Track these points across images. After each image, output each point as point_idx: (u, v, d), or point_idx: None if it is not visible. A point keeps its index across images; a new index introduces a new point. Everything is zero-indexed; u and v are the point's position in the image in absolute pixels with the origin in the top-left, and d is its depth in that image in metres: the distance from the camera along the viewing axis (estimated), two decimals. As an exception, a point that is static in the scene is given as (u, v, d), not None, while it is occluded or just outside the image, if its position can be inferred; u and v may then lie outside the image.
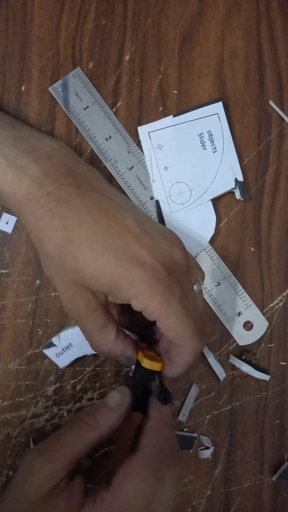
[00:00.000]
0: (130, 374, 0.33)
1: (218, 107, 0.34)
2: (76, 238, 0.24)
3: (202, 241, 0.34)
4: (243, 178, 0.34)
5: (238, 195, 0.34)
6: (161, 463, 0.24)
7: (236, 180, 0.34)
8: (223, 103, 0.34)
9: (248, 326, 0.34)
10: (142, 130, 0.34)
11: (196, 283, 0.28)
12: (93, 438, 0.25)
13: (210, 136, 0.33)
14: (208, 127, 0.34)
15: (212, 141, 0.33)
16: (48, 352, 0.32)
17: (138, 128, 0.34)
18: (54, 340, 0.32)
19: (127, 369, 0.34)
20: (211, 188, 0.34)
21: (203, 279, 0.30)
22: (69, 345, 0.32)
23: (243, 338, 0.34)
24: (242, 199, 0.34)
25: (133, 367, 0.29)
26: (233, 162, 0.34)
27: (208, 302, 0.34)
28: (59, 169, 0.26)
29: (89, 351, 0.32)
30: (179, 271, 0.26)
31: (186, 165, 0.33)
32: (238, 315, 0.34)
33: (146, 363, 0.27)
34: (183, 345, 0.26)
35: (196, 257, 0.34)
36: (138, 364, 0.28)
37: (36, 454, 0.24)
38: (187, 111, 0.33)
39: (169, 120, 0.33)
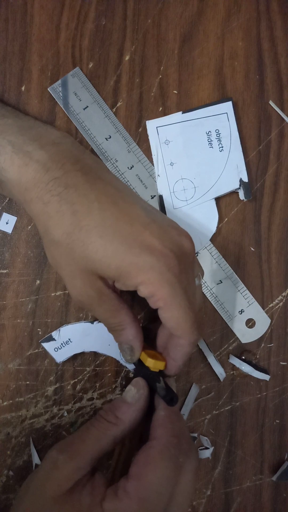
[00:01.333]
0: (131, 376, 0.33)
1: (227, 107, 0.34)
2: (85, 225, 0.24)
3: (203, 238, 0.34)
4: (248, 179, 0.34)
5: (242, 195, 0.34)
6: (180, 451, 0.24)
7: (240, 180, 0.34)
8: (232, 103, 0.34)
9: (250, 323, 0.34)
10: (150, 125, 0.34)
11: (197, 277, 0.28)
12: (116, 435, 0.25)
13: (218, 135, 0.34)
14: (216, 126, 0.34)
15: (219, 140, 0.34)
16: (47, 345, 0.32)
17: (147, 122, 0.34)
18: (54, 334, 0.32)
19: (126, 369, 0.34)
20: (215, 186, 0.34)
21: (202, 274, 0.30)
22: (68, 341, 0.32)
23: (246, 336, 0.34)
24: (246, 199, 0.34)
25: (132, 367, 0.29)
26: (239, 162, 0.34)
27: (210, 300, 0.34)
28: (66, 156, 0.26)
29: (88, 348, 0.32)
30: (187, 260, 0.26)
31: (192, 162, 0.34)
32: (240, 313, 0.34)
33: (150, 362, 0.27)
34: (183, 335, 0.26)
35: (197, 255, 0.34)
36: (140, 363, 0.28)
37: (59, 451, 0.24)
38: (196, 109, 0.34)
39: (177, 116, 0.34)
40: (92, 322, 0.32)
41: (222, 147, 0.34)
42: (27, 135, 0.26)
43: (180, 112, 0.34)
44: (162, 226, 0.25)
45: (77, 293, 0.26)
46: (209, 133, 0.34)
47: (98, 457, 0.25)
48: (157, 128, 0.33)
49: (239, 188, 0.34)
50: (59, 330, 0.32)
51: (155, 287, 0.24)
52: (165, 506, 0.23)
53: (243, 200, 0.34)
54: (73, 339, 0.32)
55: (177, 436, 0.25)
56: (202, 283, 0.32)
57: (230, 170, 0.34)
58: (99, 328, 0.32)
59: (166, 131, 0.34)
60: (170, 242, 0.25)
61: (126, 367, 0.33)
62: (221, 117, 0.34)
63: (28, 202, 0.26)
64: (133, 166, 0.34)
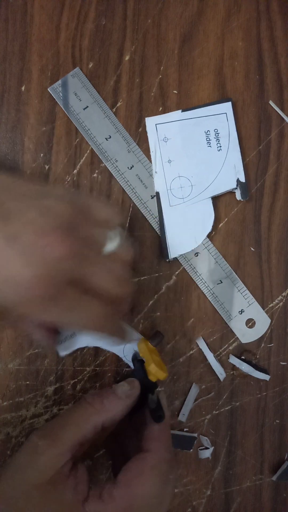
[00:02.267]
0: (124, 373, 0.33)
1: (226, 107, 0.34)
2: None
3: (198, 237, 0.34)
4: (245, 179, 0.34)
5: (238, 195, 0.34)
6: (170, 466, 0.24)
7: (237, 181, 0.34)
8: (232, 103, 0.34)
9: (250, 323, 0.34)
10: (150, 122, 0.34)
11: (109, 242, 0.25)
12: (98, 422, 0.25)
13: (216, 135, 0.34)
14: (215, 126, 0.34)
15: (217, 140, 0.34)
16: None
17: (146, 119, 0.34)
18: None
19: (127, 369, 0.34)
20: (212, 186, 0.34)
21: (116, 224, 0.26)
22: (72, 335, 0.32)
23: (246, 336, 0.34)
24: (243, 200, 0.34)
25: (130, 363, 0.29)
26: (237, 162, 0.34)
27: (210, 300, 0.34)
28: None
29: (91, 343, 0.32)
30: (64, 271, 0.22)
31: (190, 160, 0.34)
32: (240, 313, 0.34)
33: (153, 368, 0.27)
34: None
35: (197, 255, 0.34)
36: (141, 366, 0.28)
37: (39, 436, 0.24)
38: (196, 108, 0.34)
39: (177, 114, 0.34)
40: None
41: (220, 146, 0.34)
42: None
43: (180, 110, 0.34)
44: (21, 243, 0.21)
45: None
46: (208, 133, 0.34)
47: (79, 443, 0.24)
48: (156, 125, 0.34)
49: (236, 188, 0.34)
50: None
51: (39, 316, 0.23)
52: None
53: (240, 200, 0.34)
54: (78, 332, 0.32)
55: (170, 451, 0.25)
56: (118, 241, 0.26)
57: (227, 170, 0.34)
58: None
59: (165, 129, 0.34)
60: (31, 263, 0.21)
61: (126, 368, 0.33)
62: (220, 117, 0.34)
63: None
64: (133, 166, 0.34)
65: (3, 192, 0.22)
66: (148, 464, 0.24)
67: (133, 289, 0.26)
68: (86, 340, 0.32)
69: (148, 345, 0.29)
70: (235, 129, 0.34)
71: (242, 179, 0.34)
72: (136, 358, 0.30)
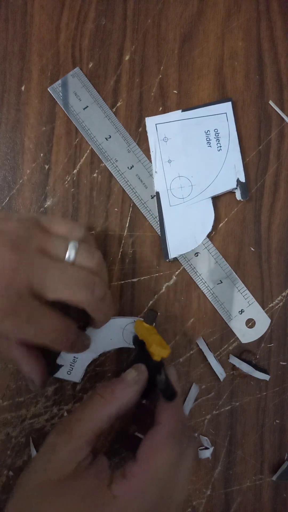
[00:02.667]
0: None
1: (227, 107, 0.34)
2: None
3: (198, 237, 0.34)
4: (245, 180, 0.34)
5: (238, 195, 0.34)
6: (183, 435, 0.25)
7: (238, 181, 0.34)
8: (232, 103, 0.34)
9: (250, 323, 0.34)
10: (150, 121, 0.34)
11: (68, 251, 0.26)
12: (112, 412, 0.25)
13: (216, 135, 0.34)
14: (215, 126, 0.34)
15: (217, 140, 0.34)
16: (60, 375, 0.32)
17: (146, 119, 0.34)
18: (58, 361, 0.32)
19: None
20: (212, 186, 0.34)
21: (77, 236, 0.27)
22: (74, 359, 0.32)
23: (246, 336, 0.34)
24: (243, 200, 0.34)
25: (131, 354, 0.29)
26: (237, 162, 0.34)
27: (210, 300, 0.34)
28: None
29: (95, 354, 0.32)
30: (18, 284, 0.23)
31: (190, 160, 0.34)
32: (240, 312, 0.34)
33: (155, 349, 0.27)
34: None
35: (197, 255, 0.34)
36: (142, 348, 0.28)
37: (57, 433, 0.24)
38: (196, 108, 0.34)
39: (177, 114, 0.34)
40: (84, 330, 0.32)
41: (220, 146, 0.34)
42: None
43: (180, 110, 0.34)
44: None
45: None
46: (208, 132, 0.34)
47: (96, 435, 0.24)
48: (156, 125, 0.34)
49: (236, 188, 0.34)
50: (60, 355, 0.32)
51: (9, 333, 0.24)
52: (170, 489, 0.24)
53: (240, 200, 0.34)
54: (77, 354, 0.32)
55: (181, 421, 0.25)
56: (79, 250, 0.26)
57: (227, 170, 0.34)
58: (93, 331, 0.32)
59: (165, 128, 0.34)
60: None
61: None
62: (220, 117, 0.34)
63: None
64: (133, 166, 0.34)
65: None
66: (162, 436, 0.24)
67: (102, 294, 0.26)
68: (89, 356, 0.32)
69: (144, 325, 0.29)
70: (235, 129, 0.34)
71: (242, 179, 0.34)
72: (136, 341, 0.30)
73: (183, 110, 0.34)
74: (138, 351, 0.28)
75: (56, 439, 0.24)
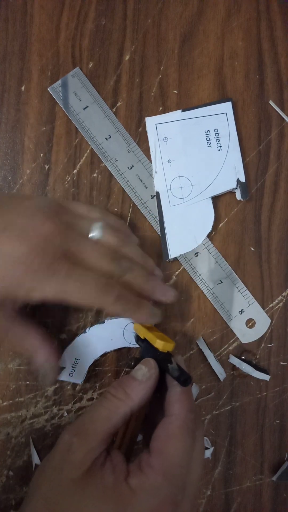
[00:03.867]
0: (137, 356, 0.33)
1: (227, 107, 0.34)
2: None
3: (198, 237, 0.34)
4: (245, 179, 0.34)
5: (238, 195, 0.34)
6: (195, 424, 0.25)
7: (238, 181, 0.34)
8: (232, 103, 0.34)
9: (250, 323, 0.34)
10: (150, 121, 0.34)
11: (93, 229, 0.28)
12: (126, 411, 0.25)
13: (216, 135, 0.34)
14: (215, 125, 0.34)
15: (217, 140, 0.34)
16: (62, 377, 0.32)
17: (146, 118, 0.34)
18: (60, 363, 0.32)
19: (126, 369, 0.34)
20: (212, 185, 0.34)
21: (96, 216, 0.29)
22: (76, 360, 0.32)
23: (246, 336, 0.34)
24: (243, 200, 0.34)
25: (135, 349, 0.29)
26: (237, 162, 0.34)
27: (210, 300, 0.34)
28: None
29: (96, 355, 0.32)
30: (58, 241, 0.25)
31: (190, 160, 0.34)
32: (240, 313, 0.34)
33: (159, 344, 0.27)
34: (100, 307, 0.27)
35: (197, 255, 0.34)
36: (148, 345, 0.28)
37: (72, 434, 0.24)
38: (196, 108, 0.34)
39: (177, 114, 0.34)
40: (84, 331, 0.32)
41: (220, 146, 0.34)
42: None
43: (180, 110, 0.34)
44: (13, 223, 0.25)
45: None
46: (208, 132, 0.34)
47: (111, 435, 0.25)
48: (156, 125, 0.34)
49: (236, 188, 0.34)
50: (63, 356, 0.32)
51: (39, 291, 0.25)
52: (185, 477, 0.24)
53: (240, 200, 0.34)
54: (79, 356, 0.32)
55: (193, 411, 0.26)
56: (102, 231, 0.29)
57: (227, 170, 0.34)
58: (94, 332, 0.32)
59: (165, 128, 0.34)
60: (24, 240, 0.25)
61: (126, 368, 0.33)
62: (220, 116, 0.34)
63: None
64: (133, 166, 0.34)
65: None
66: (175, 426, 0.25)
67: (128, 266, 0.27)
68: (91, 357, 0.32)
69: (144, 325, 0.29)
70: (235, 129, 0.34)
71: (242, 179, 0.34)
72: (139, 339, 0.30)
73: (183, 110, 0.34)
74: (145, 347, 0.28)
75: (71, 439, 0.24)
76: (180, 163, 0.34)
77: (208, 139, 0.34)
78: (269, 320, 0.34)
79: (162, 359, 0.27)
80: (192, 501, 0.24)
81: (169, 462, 0.24)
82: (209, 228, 0.34)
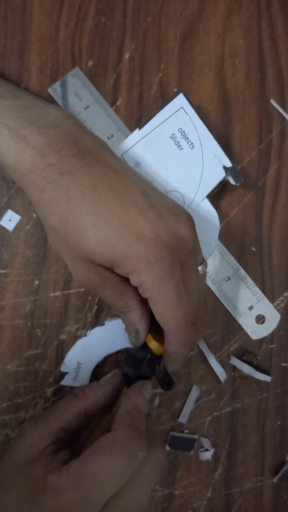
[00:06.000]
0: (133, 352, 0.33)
1: (180, 100, 0.31)
2: (79, 212, 0.23)
3: (211, 240, 0.32)
4: (232, 164, 0.32)
5: (232, 181, 0.32)
6: (134, 443, 0.23)
7: (224, 167, 0.32)
8: (183, 94, 0.31)
9: (260, 319, 0.34)
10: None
11: (202, 264, 0.27)
12: (79, 408, 0.27)
13: (183, 134, 0.31)
14: (178, 125, 0.31)
15: (186, 138, 0.31)
16: (65, 382, 0.32)
17: None
18: (63, 368, 0.32)
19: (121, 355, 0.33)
20: (201, 185, 0.32)
21: (205, 265, 0.29)
22: (78, 365, 0.32)
23: (256, 332, 0.34)
24: (238, 184, 0.32)
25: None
26: (215, 150, 0.31)
27: (218, 297, 0.34)
28: (64, 139, 0.25)
29: (98, 358, 0.32)
30: (184, 250, 0.25)
31: (169, 172, 0.32)
32: (249, 309, 0.34)
33: (153, 345, 0.27)
34: (168, 332, 0.26)
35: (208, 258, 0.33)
36: (143, 344, 0.28)
37: (28, 422, 0.27)
38: (151, 118, 0.31)
39: (136, 135, 0.31)
40: (85, 334, 0.32)
41: (191, 143, 0.31)
42: (25, 117, 0.25)
43: (137, 129, 0.31)
44: (160, 212, 0.24)
45: (79, 278, 0.26)
46: (174, 136, 0.31)
47: (62, 428, 0.26)
48: (122, 156, 0.31)
49: (226, 175, 0.32)
50: (64, 362, 0.32)
51: (143, 277, 0.24)
52: (105, 497, 0.22)
53: (240, 200, 0.34)
54: (81, 360, 0.32)
55: (137, 429, 0.24)
56: (206, 273, 0.30)
57: (210, 162, 0.32)
58: (95, 335, 0.32)
59: (132, 154, 0.31)
60: (164, 230, 0.24)
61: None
62: (178, 114, 0.31)
63: (26, 187, 0.25)
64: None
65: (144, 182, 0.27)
66: (107, 440, 0.24)
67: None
68: (93, 360, 0.32)
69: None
70: (198, 118, 0.31)
71: (228, 164, 0.31)
72: None
73: (140, 127, 0.31)
74: (140, 346, 0.28)
75: (26, 425, 0.27)
76: (161, 179, 0.32)
77: (176, 142, 0.31)
78: (279, 316, 0.34)
79: (153, 359, 0.27)
80: None
81: (84, 472, 0.22)
82: (217, 228, 0.32)
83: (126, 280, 0.26)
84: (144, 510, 0.24)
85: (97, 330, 0.32)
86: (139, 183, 0.25)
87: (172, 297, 0.24)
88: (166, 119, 0.31)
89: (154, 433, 0.26)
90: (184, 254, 0.25)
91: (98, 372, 0.33)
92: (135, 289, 0.26)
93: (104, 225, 0.23)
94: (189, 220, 0.25)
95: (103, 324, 0.32)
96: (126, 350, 0.33)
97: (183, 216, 0.25)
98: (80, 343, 0.32)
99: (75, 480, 0.22)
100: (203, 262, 0.28)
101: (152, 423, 0.27)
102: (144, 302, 0.27)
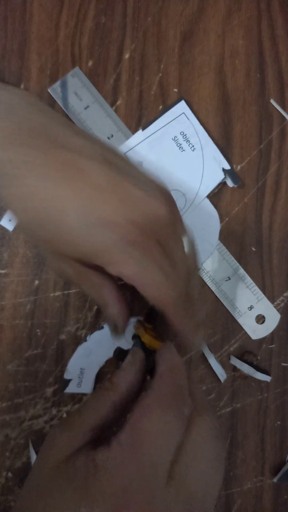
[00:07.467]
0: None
1: (182, 107, 0.33)
2: (41, 207, 0.22)
3: (211, 240, 0.33)
4: (231, 166, 0.33)
5: (230, 183, 0.34)
6: (183, 402, 0.22)
7: (223, 170, 0.33)
8: (185, 101, 0.33)
9: (260, 319, 0.34)
10: None
11: (187, 242, 0.26)
12: (113, 400, 0.24)
13: (184, 137, 0.33)
14: (180, 129, 0.33)
15: (187, 141, 0.33)
16: (70, 389, 0.32)
17: None
18: (66, 375, 0.32)
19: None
20: (202, 186, 0.33)
21: (193, 242, 0.27)
22: (81, 370, 0.32)
23: (256, 332, 0.34)
24: (236, 185, 0.33)
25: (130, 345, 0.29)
26: (215, 153, 0.33)
27: (218, 297, 0.34)
28: (20, 128, 0.22)
29: (100, 362, 0.32)
30: (162, 229, 0.23)
31: (171, 172, 0.33)
32: (249, 309, 0.34)
33: (146, 339, 0.27)
34: (166, 314, 0.24)
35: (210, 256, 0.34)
36: (137, 341, 0.28)
37: (58, 426, 0.24)
38: (155, 120, 0.33)
39: (140, 135, 0.33)
40: (85, 340, 0.32)
41: (193, 146, 0.33)
42: None
43: (140, 130, 0.33)
44: (127, 190, 0.22)
45: (56, 272, 0.25)
46: (176, 138, 0.33)
47: (98, 425, 0.23)
48: (125, 154, 0.32)
49: (225, 177, 0.33)
50: (67, 369, 0.32)
51: (121, 267, 0.22)
52: (168, 464, 0.20)
53: (240, 200, 0.34)
54: (84, 365, 0.32)
55: (180, 387, 0.23)
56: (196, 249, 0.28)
57: (210, 164, 0.33)
58: (95, 339, 0.32)
59: (135, 154, 0.33)
60: (133, 210, 0.21)
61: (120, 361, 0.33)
62: (180, 119, 0.33)
63: None
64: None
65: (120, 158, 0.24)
66: (150, 399, 0.22)
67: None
68: (96, 364, 0.32)
69: (144, 324, 0.29)
70: (199, 123, 0.33)
71: (227, 167, 0.33)
72: (134, 336, 0.30)
73: (144, 129, 0.33)
74: (135, 342, 0.29)
75: (56, 430, 0.24)
76: (163, 179, 0.32)
77: (178, 144, 0.33)
78: (279, 315, 0.34)
79: (147, 353, 0.27)
80: (186, 500, 0.20)
81: (139, 437, 0.21)
82: (218, 227, 0.33)
83: (104, 273, 0.24)
84: (216, 487, 0.21)
85: (96, 334, 0.32)
86: (102, 154, 0.22)
87: (159, 279, 0.23)
88: (169, 123, 0.33)
89: (199, 396, 0.24)
90: (162, 233, 0.23)
91: (98, 372, 0.33)
92: (113, 281, 0.25)
93: (65, 217, 0.21)
94: (164, 195, 0.23)
95: (102, 327, 0.32)
96: (119, 347, 0.33)
97: (157, 191, 0.23)
98: (81, 349, 0.32)
99: (132, 447, 0.20)
100: (189, 240, 0.26)
101: (196, 388, 0.25)
102: (122, 297, 0.26)
